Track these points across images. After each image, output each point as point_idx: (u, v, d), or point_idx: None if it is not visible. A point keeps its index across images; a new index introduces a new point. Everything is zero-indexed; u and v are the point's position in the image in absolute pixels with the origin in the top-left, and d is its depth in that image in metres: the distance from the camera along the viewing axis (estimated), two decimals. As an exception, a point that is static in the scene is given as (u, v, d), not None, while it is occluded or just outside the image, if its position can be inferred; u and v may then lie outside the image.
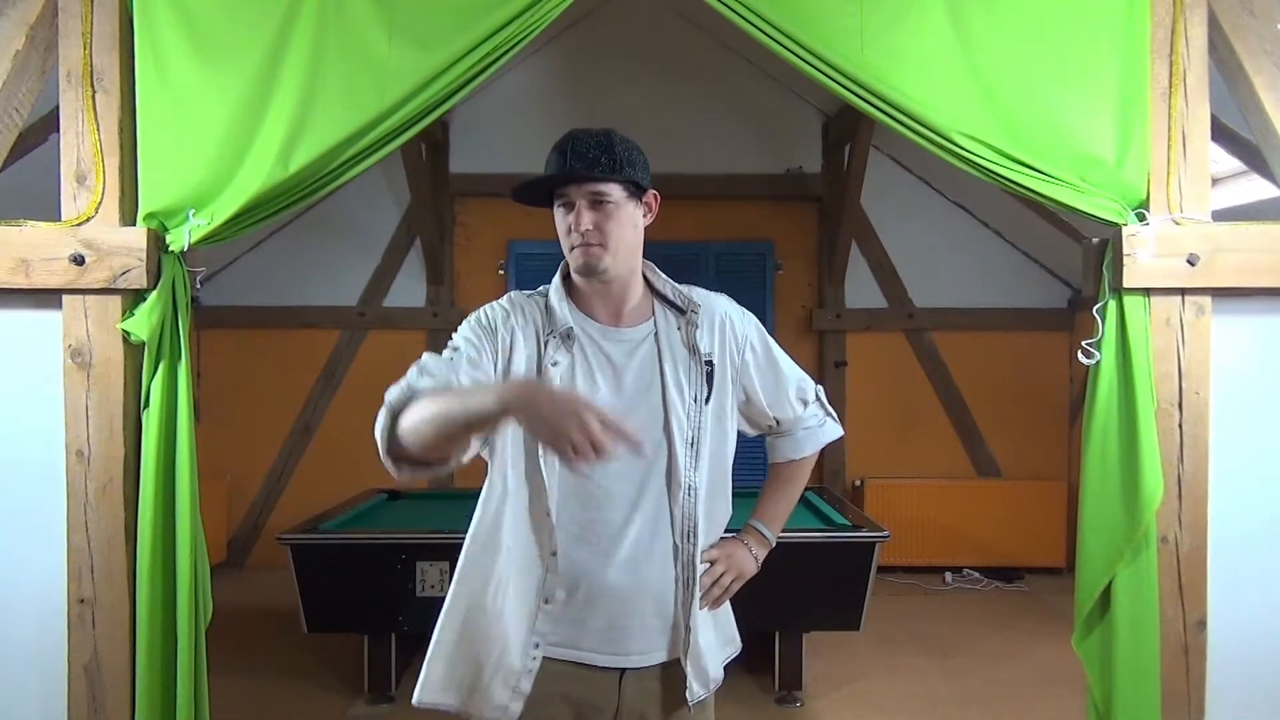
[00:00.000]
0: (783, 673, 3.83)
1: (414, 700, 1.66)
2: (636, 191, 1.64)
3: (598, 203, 1.59)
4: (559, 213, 1.64)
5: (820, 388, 1.90)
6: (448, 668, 1.65)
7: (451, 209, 6.29)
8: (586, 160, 1.59)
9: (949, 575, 6.00)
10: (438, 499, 4.84)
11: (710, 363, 1.68)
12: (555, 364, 1.60)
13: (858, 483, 6.17)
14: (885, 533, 3.68)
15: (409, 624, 3.57)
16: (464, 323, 1.68)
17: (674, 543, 1.64)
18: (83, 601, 2.33)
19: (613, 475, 1.59)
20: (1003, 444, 6.28)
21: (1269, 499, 2.40)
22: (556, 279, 1.71)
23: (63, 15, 2.34)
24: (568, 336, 1.62)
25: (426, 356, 1.59)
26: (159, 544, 2.32)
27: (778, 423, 1.83)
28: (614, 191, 1.60)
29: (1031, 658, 4.46)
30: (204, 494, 2.46)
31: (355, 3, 2.36)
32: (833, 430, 1.90)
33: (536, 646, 1.61)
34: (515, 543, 1.62)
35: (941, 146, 2.35)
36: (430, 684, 1.65)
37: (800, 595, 3.59)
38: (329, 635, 3.91)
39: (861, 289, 6.28)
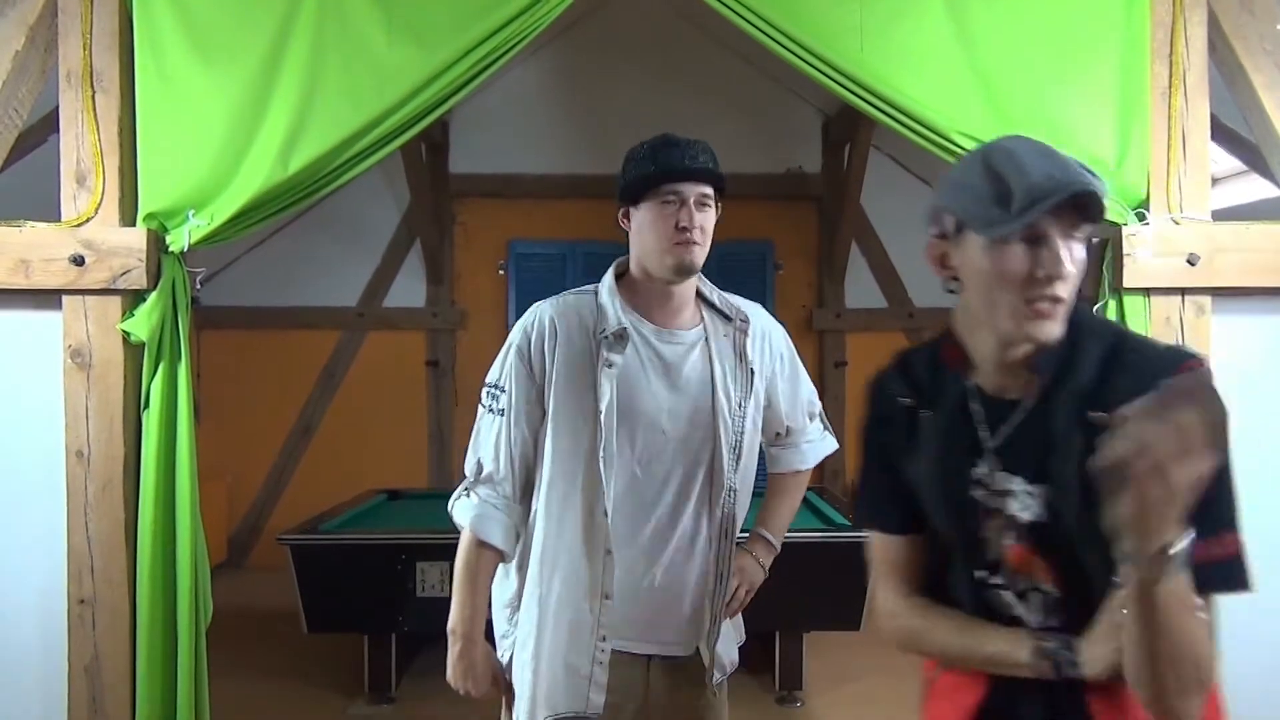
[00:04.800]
0: (783, 673, 3.83)
1: None
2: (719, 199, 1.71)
3: (703, 204, 1.64)
4: (658, 209, 1.63)
5: (820, 404, 1.95)
6: (533, 690, 1.65)
7: (451, 209, 6.27)
8: (699, 162, 1.63)
9: (949, 575, 5.99)
10: (438, 499, 4.78)
11: (753, 370, 1.74)
12: (610, 365, 1.63)
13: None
14: (885, 532, 3.67)
15: (409, 624, 3.56)
16: (507, 353, 1.69)
17: (713, 541, 1.69)
18: (83, 602, 2.34)
19: (662, 476, 1.65)
20: (1003, 443, 6.27)
21: (1269, 498, 2.40)
22: (609, 278, 1.72)
23: (62, 15, 2.35)
24: (621, 337, 1.64)
25: (479, 451, 1.69)
26: (159, 544, 2.32)
27: (787, 431, 1.88)
28: (714, 195, 1.67)
29: (1032, 657, 4.45)
30: (204, 494, 2.47)
31: (355, 2, 2.37)
32: (831, 444, 1.96)
33: (604, 640, 1.64)
34: (574, 545, 1.65)
35: (941, 146, 2.35)
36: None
37: (800, 595, 3.58)
38: (329, 635, 3.90)
39: (861, 289, 6.28)
